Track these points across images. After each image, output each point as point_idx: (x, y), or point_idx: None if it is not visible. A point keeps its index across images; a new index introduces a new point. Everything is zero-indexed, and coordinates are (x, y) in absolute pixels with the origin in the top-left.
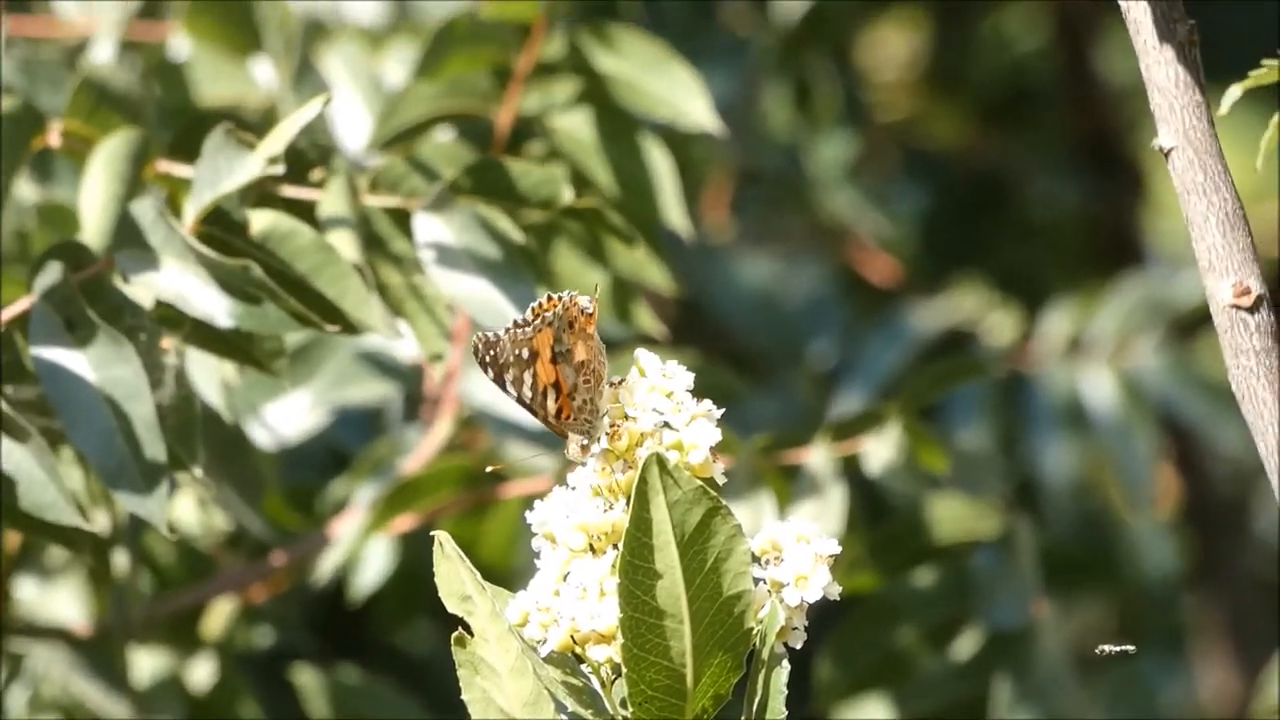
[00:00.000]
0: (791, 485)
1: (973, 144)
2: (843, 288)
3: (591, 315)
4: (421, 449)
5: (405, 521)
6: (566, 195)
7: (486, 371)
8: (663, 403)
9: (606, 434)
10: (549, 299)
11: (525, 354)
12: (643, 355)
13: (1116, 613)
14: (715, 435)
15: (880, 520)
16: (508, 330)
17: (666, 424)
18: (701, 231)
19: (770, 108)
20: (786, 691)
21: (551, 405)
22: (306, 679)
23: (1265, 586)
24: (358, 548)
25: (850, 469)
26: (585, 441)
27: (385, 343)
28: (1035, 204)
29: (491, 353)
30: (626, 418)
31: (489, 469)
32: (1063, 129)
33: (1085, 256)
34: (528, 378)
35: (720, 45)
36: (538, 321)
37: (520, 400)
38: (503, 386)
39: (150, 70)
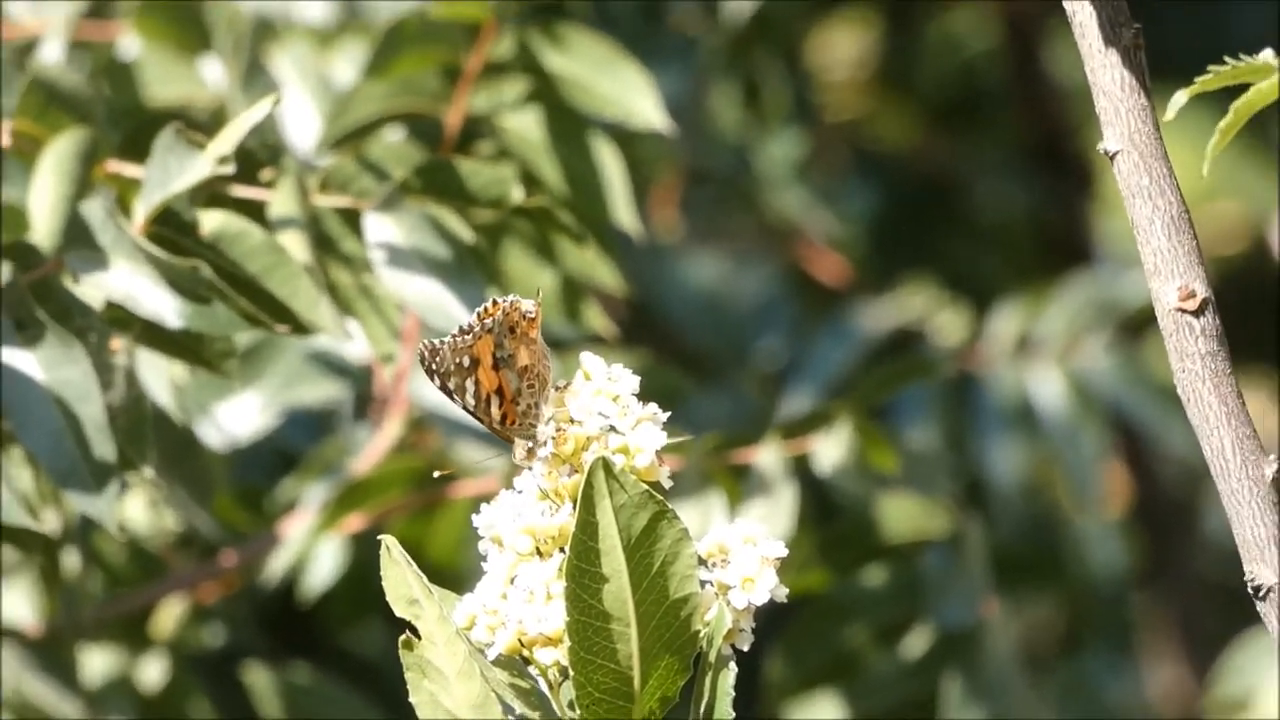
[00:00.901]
0: (741, 485)
1: (922, 144)
2: (791, 287)
3: (534, 319)
4: (371, 449)
5: (355, 522)
6: (516, 195)
7: (433, 379)
8: (608, 406)
9: (552, 438)
10: (492, 304)
11: (466, 361)
12: (587, 359)
13: (1065, 612)
14: (661, 439)
15: (830, 520)
16: (449, 338)
17: (612, 428)
18: (650, 231)
19: (719, 107)
20: (734, 693)
21: (495, 412)
22: (258, 679)
23: (1214, 586)
24: (308, 548)
25: (800, 469)
26: (531, 446)
27: (335, 343)
28: (984, 204)
29: (435, 361)
30: (572, 421)
31: (436, 474)
32: (1012, 129)
33: (1034, 256)
34: (470, 385)
35: (669, 45)
36: (478, 328)
37: (465, 408)
38: (449, 394)
39: (99, 70)
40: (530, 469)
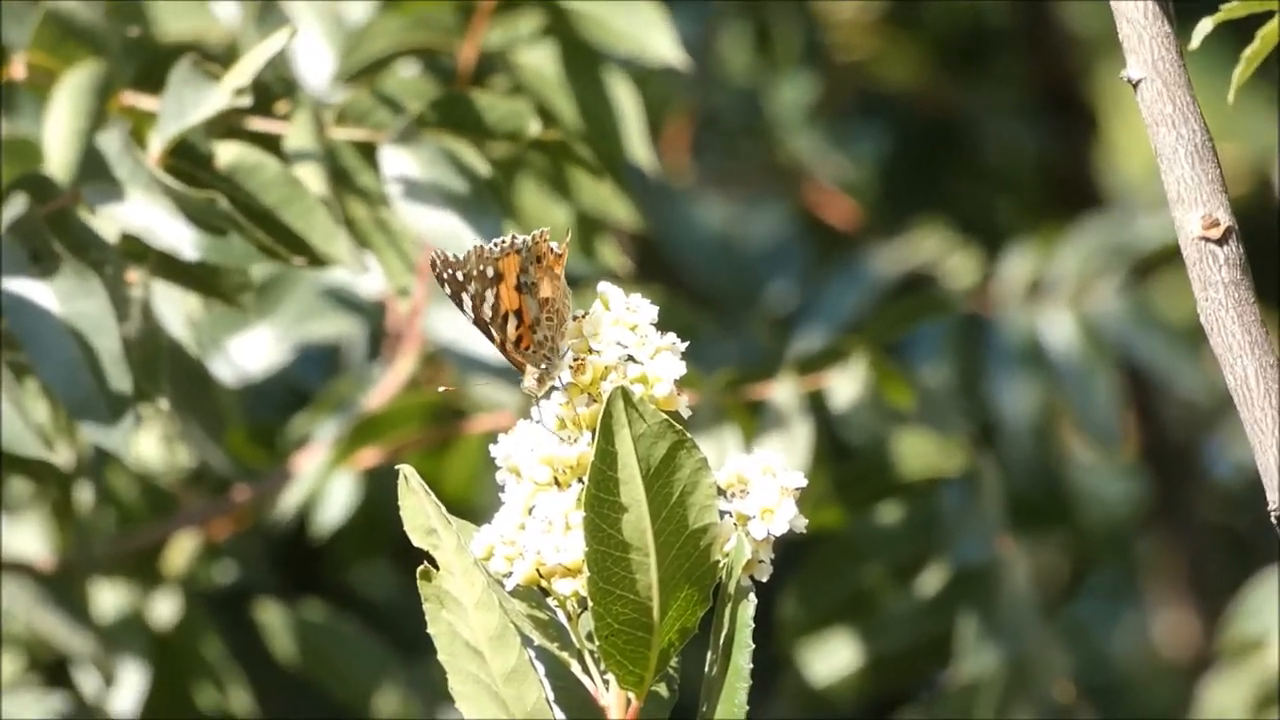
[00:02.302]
0: (756, 421)
1: (931, 86)
2: (802, 230)
3: (560, 256)
4: (384, 385)
5: (368, 458)
6: (533, 128)
7: (443, 286)
8: (627, 336)
9: (570, 368)
10: (521, 234)
11: (491, 272)
12: (607, 288)
13: (1071, 555)
14: (680, 368)
15: (844, 457)
16: (477, 246)
17: (631, 357)
18: (661, 173)
19: (730, 50)
20: (753, 625)
21: (512, 331)
22: (271, 616)
23: (1220, 529)
24: (320, 484)
25: (815, 405)
26: (540, 375)
27: (348, 279)
28: (993, 146)
29: (451, 271)
30: (590, 351)
31: (440, 389)
32: (1020, 71)
33: (1043, 199)
34: (490, 296)
35: None
36: (507, 246)
37: (478, 320)
38: (459, 304)
39: (113, 6)
40: (538, 398)
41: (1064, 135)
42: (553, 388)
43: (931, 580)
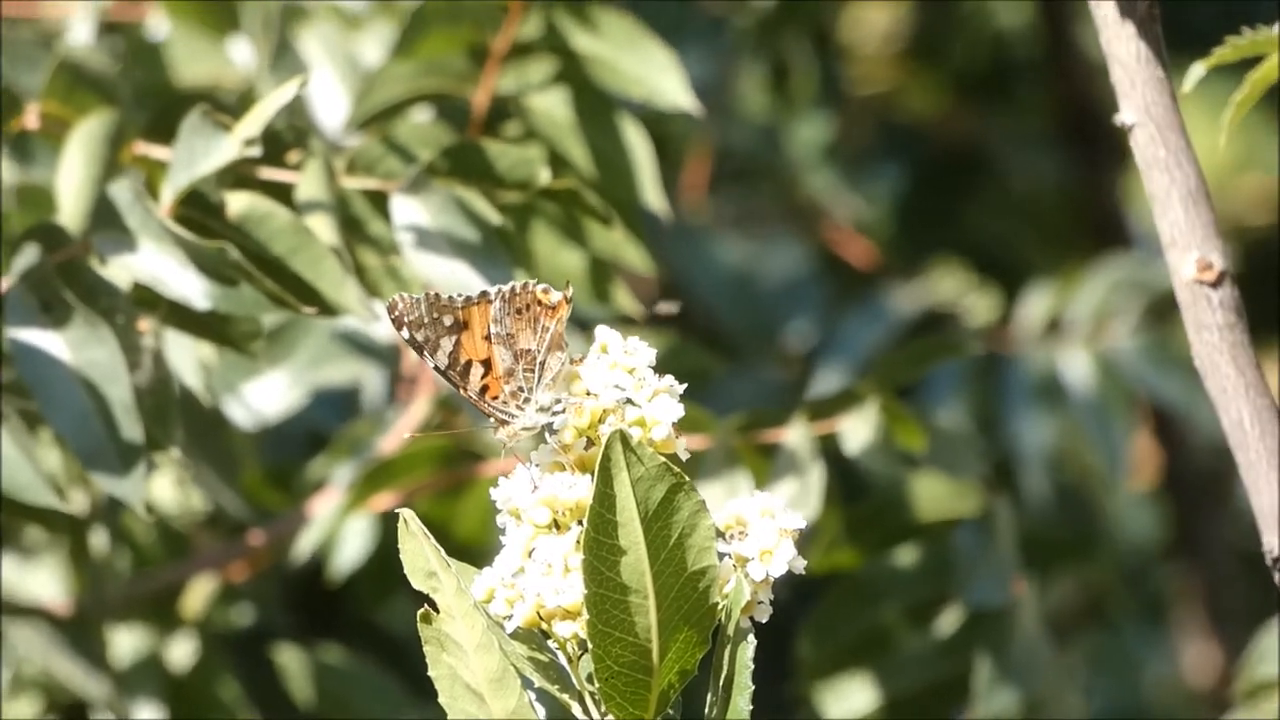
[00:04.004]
0: (769, 465)
1: (952, 119)
2: (820, 269)
3: (554, 309)
4: (398, 429)
5: (383, 501)
6: (544, 176)
7: (397, 327)
8: (625, 379)
9: (560, 415)
10: (508, 285)
11: (448, 321)
12: (604, 332)
13: (1095, 586)
14: (678, 411)
15: (858, 499)
16: (426, 297)
17: (629, 400)
18: (678, 213)
19: (747, 89)
20: (753, 666)
21: (476, 381)
22: (288, 658)
23: (1244, 559)
24: (336, 527)
25: (828, 448)
26: (515, 427)
27: (361, 323)
28: (1015, 179)
29: (406, 309)
30: (588, 394)
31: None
32: (1043, 104)
33: (1065, 232)
34: (446, 344)
35: (697, 25)
36: (474, 297)
37: (434, 366)
38: (415, 346)
39: (128, 51)
40: (506, 449)
41: (1088, 166)
42: (537, 435)
43: (947, 622)
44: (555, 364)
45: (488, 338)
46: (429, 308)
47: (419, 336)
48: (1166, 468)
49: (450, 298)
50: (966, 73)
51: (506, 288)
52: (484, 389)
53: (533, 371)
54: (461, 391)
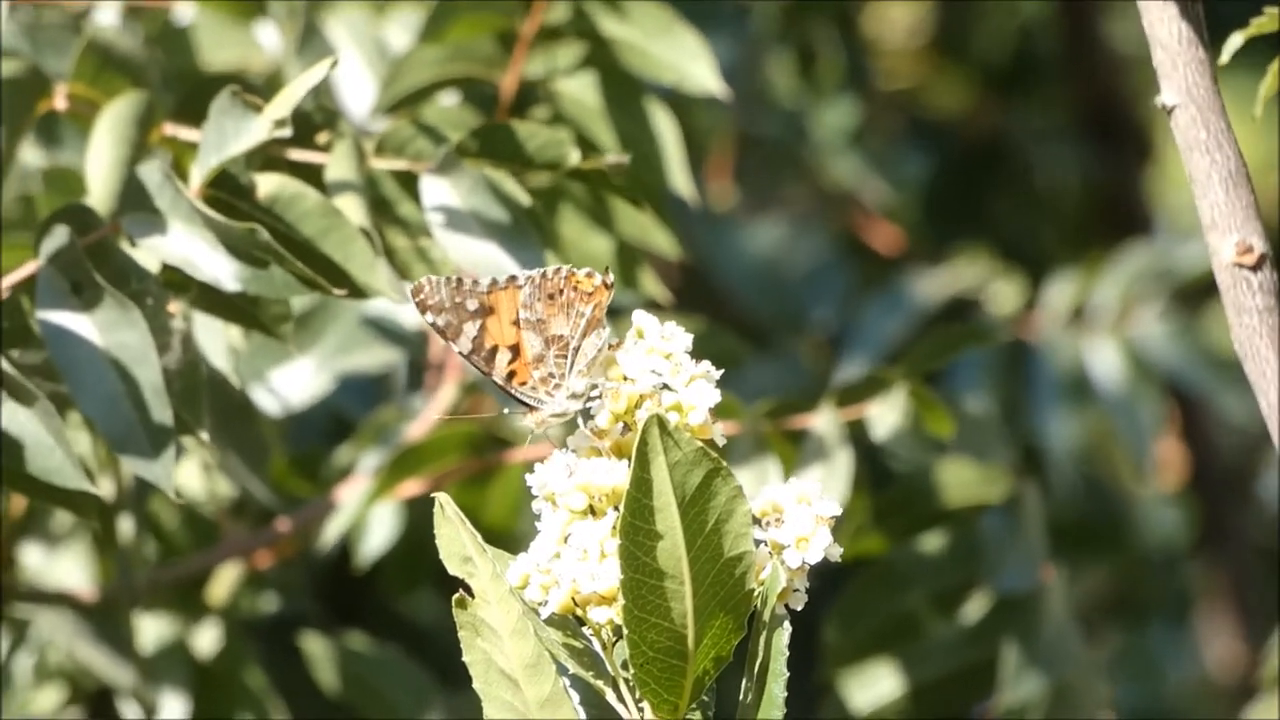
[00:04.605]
0: (797, 451)
1: (977, 111)
2: (846, 255)
3: (591, 294)
4: (426, 415)
5: (410, 488)
6: (573, 157)
7: (421, 310)
8: (661, 364)
9: (596, 400)
10: (540, 269)
11: (472, 306)
12: (641, 316)
13: (1120, 580)
14: (715, 396)
15: (886, 485)
16: (446, 280)
17: (666, 385)
18: (705, 198)
19: (773, 74)
20: (788, 653)
21: (503, 367)
22: (315, 646)
23: (1270, 553)
24: (363, 514)
25: (856, 434)
26: (539, 413)
27: (389, 308)
28: (1039, 171)
29: (428, 292)
30: (625, 378)
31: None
32: (1067, 96)
33: (1089, 224)
34: (470, 329)
35: (723, 11)
36: (502, 282)
37: (459, 350)
38: (438, 329)
39: (154, 35)
40: (534, 435)
41: (1112, 159)
42: (568, 422)
43: (974, 608)
44: (590, 350)
45: (516, 323)
46: (451, 292)
47: (440, 321)
48: (1192, 465)
49: (475, 282)
50: (990, 67)
51: (537, 273)
52: (510, 374)
53: (565, 357)
54: (487, 375)
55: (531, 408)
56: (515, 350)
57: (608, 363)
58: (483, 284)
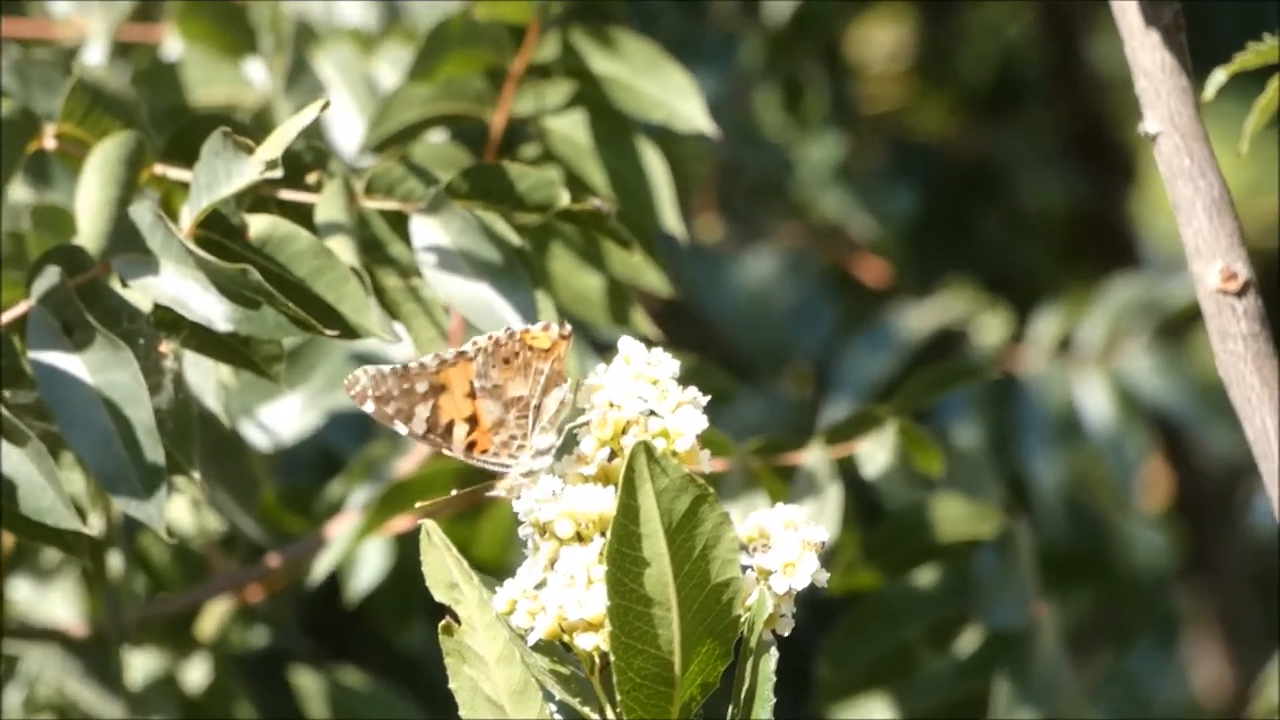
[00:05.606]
0: (787, 487)
1: (961, 136)
2: (833, 288)
3: (547, 351)
4: (416, 450)
5: (400, 523)
6: (563, 198)
7: (362, 404)
8: (648, 390)
9: (532, 471)
10: (488, 336)
11: (422, 388)
12: (626, 343)
13: (1108, 608)
14: (702, 422)
15: (876, 522)
16: (396, 367)
17: (652, 412)
18: (691, 233)
19: (759, 108)
20: (775, 679)
21: (461, 438)
22: (305, 681)
23: (1256, 578)
24: (353, 549)
25: (846, 470)
26: (513, 477)
27: (378, 346)
28: (1025, 196)
29: (373, 386)
30: (611, 405)
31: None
32: (1051, 118)
33: (1076, 249)
34: (421, 411)
35: (709, 44)
36: (449, 359)
37: (411, 433)
38: (385, 422)
39: (143, 70)
40: (517, 499)
41: (1098, 183)
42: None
43: (967, 643)
44: (552, 405)
45: (470, 394)
46: (398, 380)
47: (389, 409)
48: (1178, 489)
49: (422, 364)
50: (974, 90)
51: (488, 340)
52: (470, 445)
53: (526, 417)
54: (446, 452)
55: (498, 474)
56: (472, 421)
57: (579, 402)
58: (430, 364)
